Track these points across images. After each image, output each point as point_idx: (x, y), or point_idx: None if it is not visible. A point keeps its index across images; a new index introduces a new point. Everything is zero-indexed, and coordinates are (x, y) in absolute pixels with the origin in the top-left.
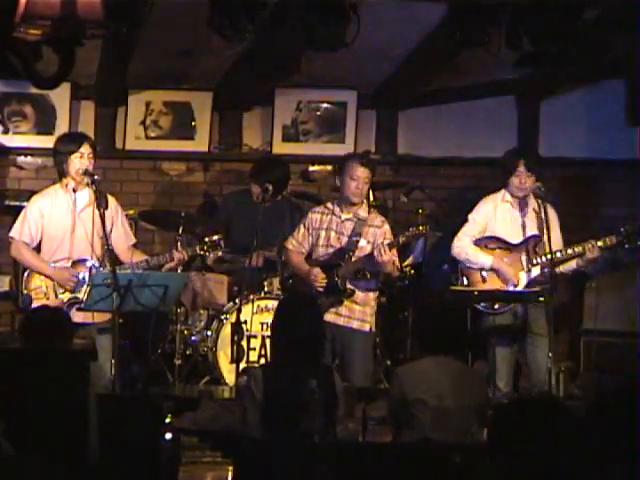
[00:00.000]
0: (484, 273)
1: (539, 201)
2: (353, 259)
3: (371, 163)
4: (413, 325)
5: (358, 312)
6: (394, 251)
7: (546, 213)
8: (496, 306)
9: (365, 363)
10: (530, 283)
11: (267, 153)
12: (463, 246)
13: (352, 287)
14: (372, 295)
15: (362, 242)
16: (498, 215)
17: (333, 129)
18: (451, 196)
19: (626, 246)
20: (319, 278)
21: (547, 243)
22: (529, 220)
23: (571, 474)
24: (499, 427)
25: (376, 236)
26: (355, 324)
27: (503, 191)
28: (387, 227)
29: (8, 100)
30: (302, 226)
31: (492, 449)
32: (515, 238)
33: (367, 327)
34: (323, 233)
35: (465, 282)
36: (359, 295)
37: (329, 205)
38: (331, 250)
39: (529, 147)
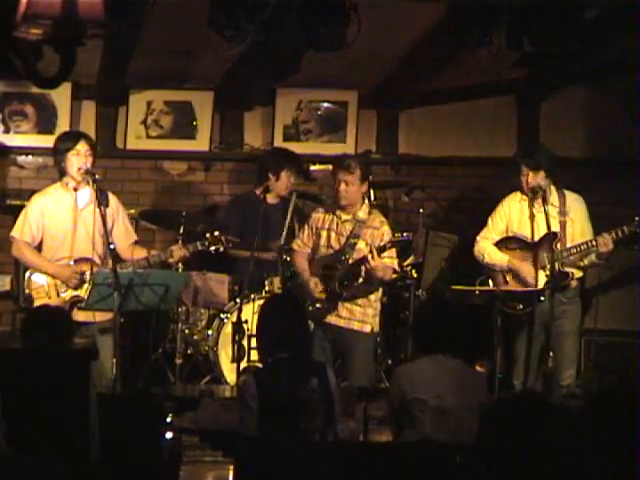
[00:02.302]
0: (506, 275)
1: (544, 197)
2: (350, 262)
3: (352, 165)
4: (413, 325)
5: (358, 313)
6: (392, 252)
7: (546, 212)
8: (520, 306)
9: (366, 364)
10: (548, 282)
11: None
12: (480, 249)
13: (350, 290)
14: (373, 297)
15: (360, 244)
16: (516, 214)
17: (334, 129)
18: (452, 196)
19: None
20: (317, 290)
21: (544, 239)
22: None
23: (559, 472)
24: (483, 427)
25: (374, 238)
26: (355, 325)
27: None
28: (386, 228)
29: (9, 100)
30: (307, 226)
31: (479, 449)
32: (535, 236)
33: (368, 328)
34: (324, 233)
35: (491, 284)
36: (360, 297)
37: (331, 205)
38: (331, 251)
39: (533, 145)
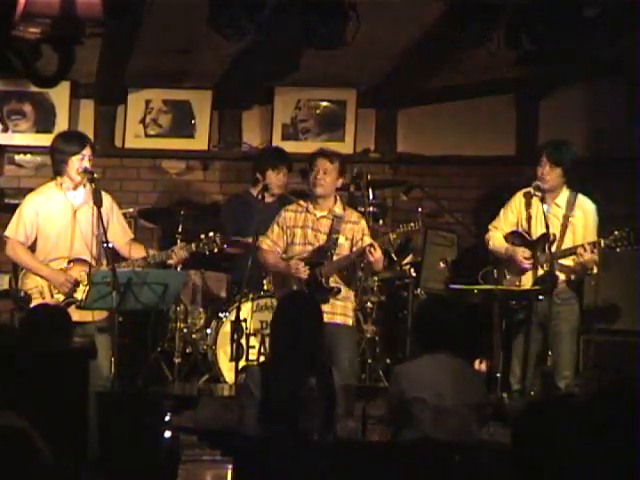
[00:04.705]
0: (506, 269)
1: (543, 197)
2: (335, 257)
3: (334, 155)
4: (412, 324)
5: (340, 307)
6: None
7: (544, 212)
8: (512, 302)
9: (353, 356)
10: (537, 282)
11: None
12: (489, 236)
13: (338, 285)
14: (352, 291)
15: (341, 239)
16: (526, 209)
17: (332, 128)
18: (450, 195)
19: (617, 250)
20: (301, 269)
21: (544, 240)
22: (551, 216)
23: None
24: (517, 429)
25: (354, 232)
26: (339, 319)
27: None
28: (364, 223)
29: (8, 99)
30: (276, 225)
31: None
32: (533, 235)
33: (350, 321)
34: (299, 231)
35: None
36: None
37: (302, 203)
38: (310, 248)
39: (562, 140)
